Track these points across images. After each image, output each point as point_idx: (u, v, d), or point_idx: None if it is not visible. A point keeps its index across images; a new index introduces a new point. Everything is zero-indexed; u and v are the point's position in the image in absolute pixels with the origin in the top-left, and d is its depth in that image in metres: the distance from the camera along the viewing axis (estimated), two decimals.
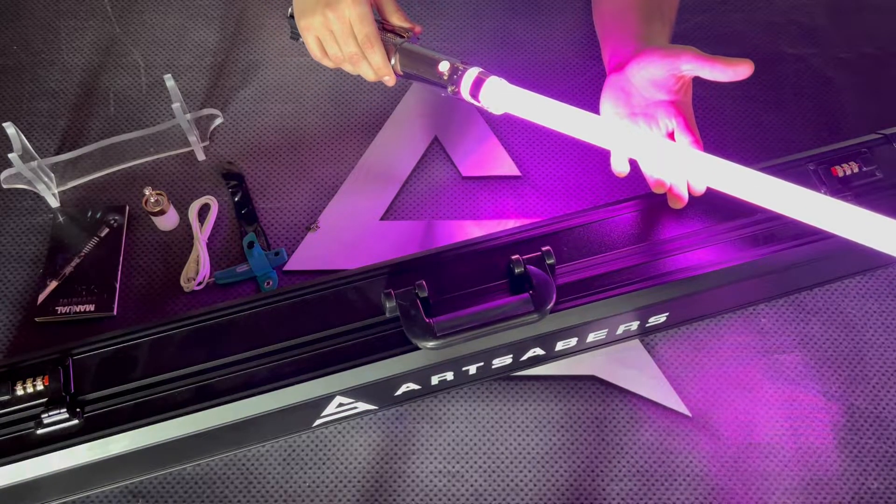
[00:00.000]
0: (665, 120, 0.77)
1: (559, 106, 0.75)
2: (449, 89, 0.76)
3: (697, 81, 0.76)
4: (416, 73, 0.79)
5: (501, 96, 0.75)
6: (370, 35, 0.77)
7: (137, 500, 0.79)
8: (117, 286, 0.89)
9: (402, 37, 0.79)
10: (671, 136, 0.78)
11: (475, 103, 0.76)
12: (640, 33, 0.78)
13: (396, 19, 0.80)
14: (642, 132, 0.78)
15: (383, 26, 0.80)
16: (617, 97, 0.78)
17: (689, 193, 0.79)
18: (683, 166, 0.75)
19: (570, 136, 0.76)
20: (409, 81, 1.03)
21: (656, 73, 0.74)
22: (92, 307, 0.87)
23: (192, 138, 0.96)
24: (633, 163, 0.80)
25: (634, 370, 0.84)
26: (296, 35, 0.84)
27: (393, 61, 0.79)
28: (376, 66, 0.79)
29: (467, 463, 0.80)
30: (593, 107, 0.78)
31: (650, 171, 0.80)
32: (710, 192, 0.79)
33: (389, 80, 0.81)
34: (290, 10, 0.83)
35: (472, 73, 0.75)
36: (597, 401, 0.83)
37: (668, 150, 0.75)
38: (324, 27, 0.78)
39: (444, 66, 0.75)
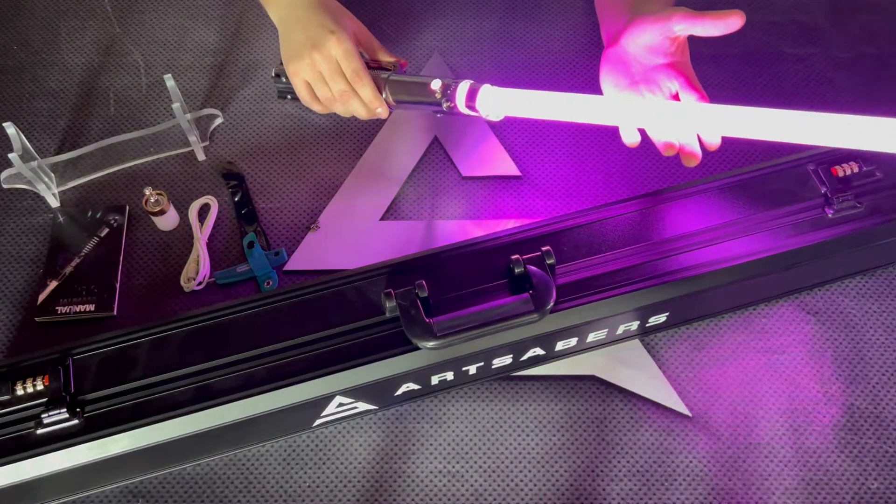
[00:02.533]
0: (667, 83, 0.76)
1: (555, 96, 0.75)
2: (444, 105, 0.77)
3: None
4: (408, 99, 0.80)
5: (497, 100, 0.75)
6: (358, 70, 0.78)
7: (137, 500, 0.79)
8: (117, 286, 0.89)
9: (388, 70, 0.81)
10: (676, 97, 0.77)
11: (473, 114, 0.77)
12: (633, 4, 0.78)
13: (382, 56, 0.83)
14: (644, 99, 0.77)
15: (369, 64, 0.81)
16: (616, 70, 0.78)
17: (704, 148, 0.78)
18: (694, 121, 0.74)
19: (569, 135, 0.76)
20: None
21: (651, 39, 0.75)
22: (92, 307, 0.87)
23: (192, 138, 0.96)
24: (643, 137, 0.79)
25: (634, 370, 0.84)
26: (282, 94, 0.87)
27: (384, 95, 0.80)
28: (367, 100, 0.80)
29: (467, 463, 0.80)
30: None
31: (658, 135, 0.78)
32: (709, 191, 0.79)
33: (382, 113, 0.82)
34: (273, 70, 0.86)
35: (464, 85, 0.76)
36: (597, 401, 0.83)
37: (676, 109, 0.75)
38: (311, 69, 0.79)
39: (436, 85, 0.77)
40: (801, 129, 0.69)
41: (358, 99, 0.80)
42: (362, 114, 0.82)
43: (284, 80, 0.84)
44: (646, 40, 0.75)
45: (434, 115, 0.80)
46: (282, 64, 0.83)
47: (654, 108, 0.75)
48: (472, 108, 0.76)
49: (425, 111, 0.80)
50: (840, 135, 0.68)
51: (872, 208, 0.80)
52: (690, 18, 0.72)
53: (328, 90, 0.80)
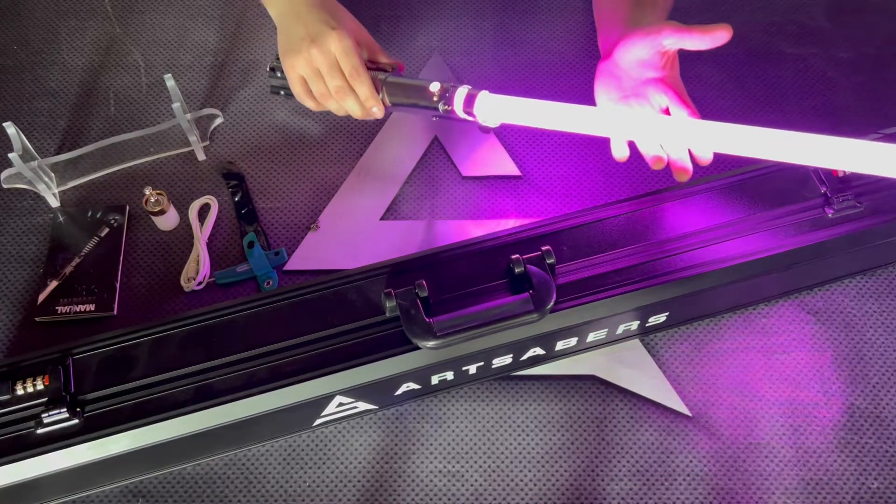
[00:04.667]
0: (657, 97, 0.78)
1: (550, 105, 0.76)
2: (440, 107, 0.77)
3: (695, 79, 0.76)
4: (404, 100, 0.80)
5: (494, 107, 0.76)
6: (356, 66, 0.78)
7: (137, 500, 0.79)
8: (117, 286, 0.89)
9: (386, 71, 0.81)
10: (666, 112, 0.79)
11: (469, 119, 0.77)
12: (628, 18, 0.80)
13: (380, 57, 0.83)
14: (637, 112, 0.79)
15: (367, 65, 0.81)
16: (608, 83, 0.80)
17: (695, 163, 0.79)
18: (686, 136, 0.76)
19: (569, 135, 0.76)
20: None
21: (641, 53, 0.76)
22: (92, 307, 0.87)
23: (193, 138, 0.96)
24: (633, 150, 0.81)
25: (634, 370, 0.84)
26: (276, 90, 0.86)
27: (380, 95, 0.80)
28: (364, 97, 0.79)
29: (467, 463, 0.80)
30: (592, 104, 0.78)
31: (648, 149, 0.80)
32: (709, 191, 0.79)
33: (378, 112, 0.81)
34: (269, 64, 0.85)
35: (462, 90, 0.77)
36: (597, 401, 0.83)
37: (670, 124, 0.76)
38: (308, 65, 0.79)
39: (434, 87, 0.77)
40: (793, 150, 0.70)
41: (354, 96, 0.80)
42: (357, 112, 0.81)
43: (280, 74, 0.84)
44: (636, 55, 0.77)
45: (430, 118, 0.80)
46: (278, 59, 0.83)
47: (648, 121, 0.76)
48: (469, 113, 0.77)
49: (421, 114, 0.80)
50: (834, 157, 0.68)
51: (872, 208, 0.80)
52: (679, 32, 0.74)
53: (324, 86, 0.80)
